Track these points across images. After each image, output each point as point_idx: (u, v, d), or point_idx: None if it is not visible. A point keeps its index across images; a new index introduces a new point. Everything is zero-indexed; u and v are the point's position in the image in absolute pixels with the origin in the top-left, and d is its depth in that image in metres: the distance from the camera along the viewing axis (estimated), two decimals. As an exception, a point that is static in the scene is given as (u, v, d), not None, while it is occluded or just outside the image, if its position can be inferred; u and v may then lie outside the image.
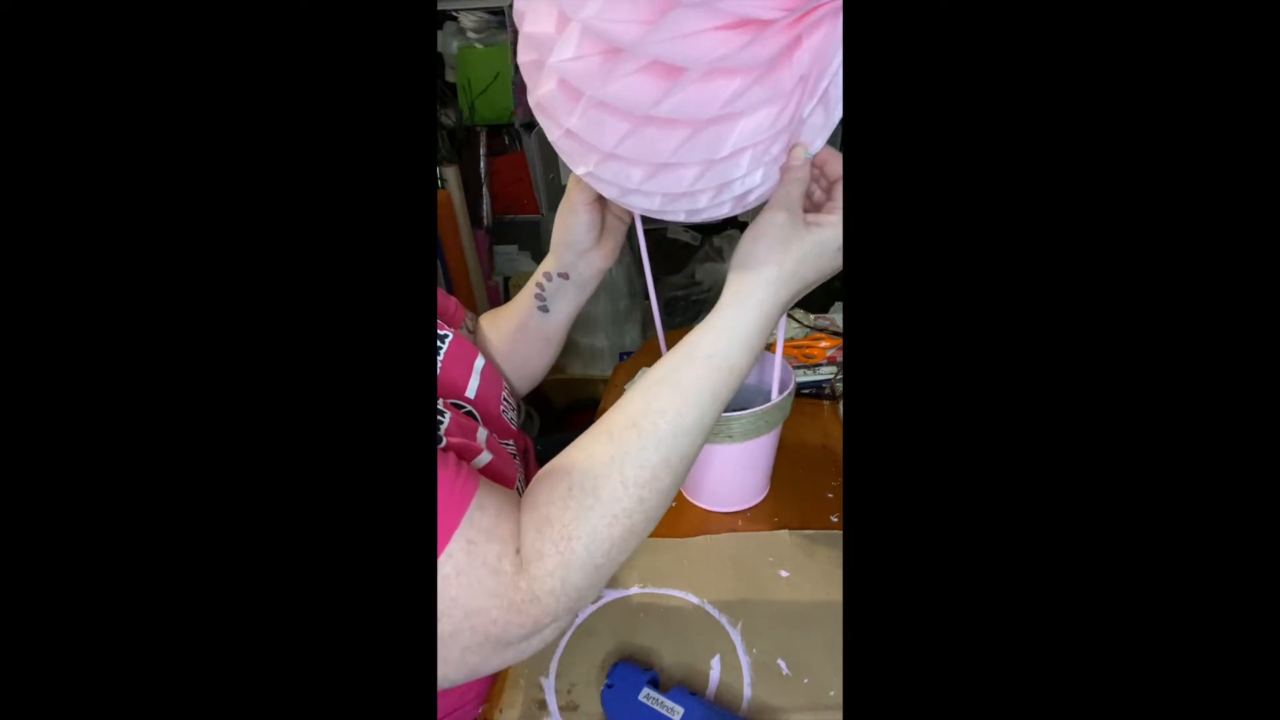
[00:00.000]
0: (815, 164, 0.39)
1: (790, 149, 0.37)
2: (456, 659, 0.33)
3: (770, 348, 0.51)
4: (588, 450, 0.36)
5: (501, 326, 0.61)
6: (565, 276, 0.55)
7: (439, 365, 0.50)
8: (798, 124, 0.36)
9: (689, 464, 0.38)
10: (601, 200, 0.49)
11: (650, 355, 0.88)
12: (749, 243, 0.38)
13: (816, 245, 0.37)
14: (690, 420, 0.36)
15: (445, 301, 0.59)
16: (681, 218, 0.40)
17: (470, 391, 0.51)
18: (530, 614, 0.33)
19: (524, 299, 0.58)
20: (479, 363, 0.53)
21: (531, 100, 0.36)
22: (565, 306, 0.57)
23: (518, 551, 0.34)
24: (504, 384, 0.57)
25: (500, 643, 0.33)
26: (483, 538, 0.33)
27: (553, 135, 0.36)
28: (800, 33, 0.31)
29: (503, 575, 0.33)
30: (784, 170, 0.38)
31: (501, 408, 0.54)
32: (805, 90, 0.34)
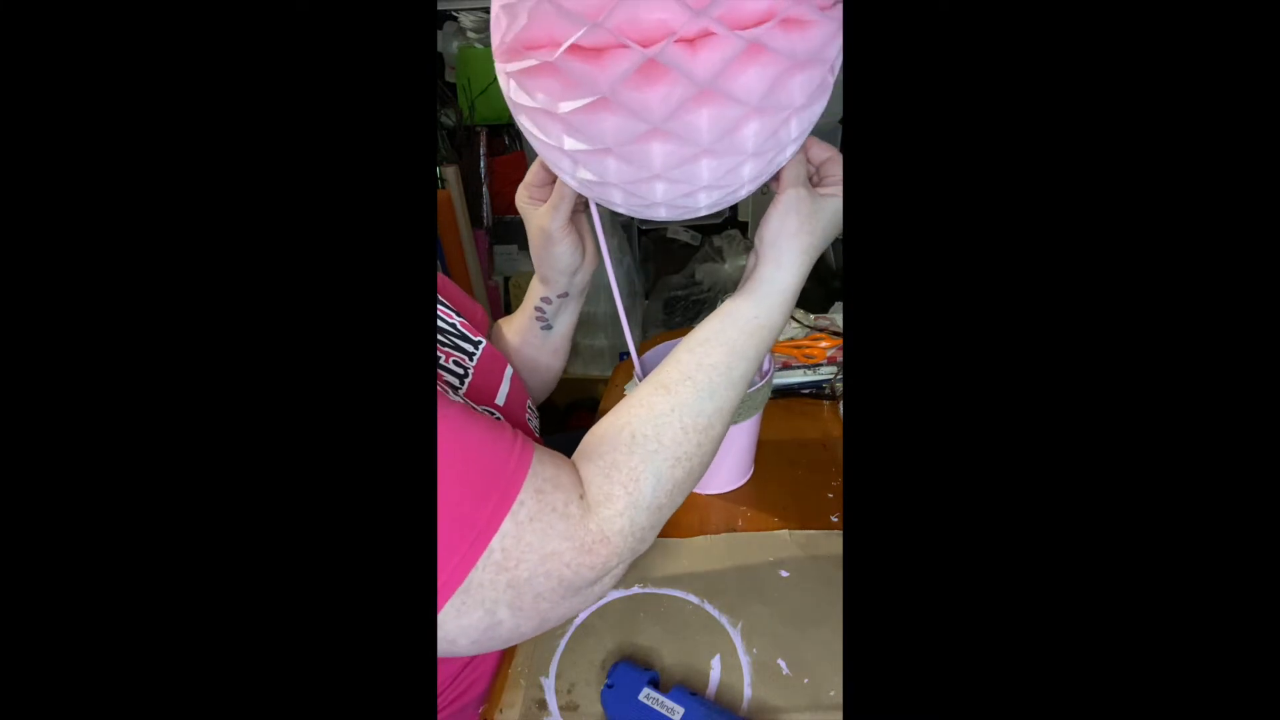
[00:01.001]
0: (805, 147, 0.42)
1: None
2: (530, 605, 0.34)
3: None
4: (645, 403, 0.39)
5: (507, 341, 0.61)
6: (565, 295, 0.55)
7: (471, 372, 0.50)
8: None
9: (729, 420, 0.41)
10: (572, 216, 0.49)
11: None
12: (779, 218, 0.41)
13: (834, 212, 0.41)
14: (738, 374, 0.40)
15: (473, 309, 0.59)
16: (702, 211, 0.41)
17: (500, 399, 0.52)
18: (600, 554, 0.35)
19: (524, 321, 0.59)
20: (508, 371, 0.54)
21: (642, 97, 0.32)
22: (567, 319, 0.58)
23: (581, 498, 0.36)
24: (527, 395, 0.57)
25: (571, 587, 0.35)
26: (549, 486, 0.35)
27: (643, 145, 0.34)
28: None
29: (572, 519, 0.35)
30: None
31: (527, 415, 0.55)
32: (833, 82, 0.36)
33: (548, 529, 0.34)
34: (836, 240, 0.46)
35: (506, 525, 0.32)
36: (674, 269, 1.73)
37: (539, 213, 0.48)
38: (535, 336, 0.59)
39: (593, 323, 1.65)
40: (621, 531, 0.36)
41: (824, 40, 0.31)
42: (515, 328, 0.60)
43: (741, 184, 0.37)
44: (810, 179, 0.43)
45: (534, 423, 0.57)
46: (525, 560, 0.33)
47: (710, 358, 0.40)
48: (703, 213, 0.41)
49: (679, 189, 0.36)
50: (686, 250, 1.77)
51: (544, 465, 0.35)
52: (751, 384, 0.53)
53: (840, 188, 0.42)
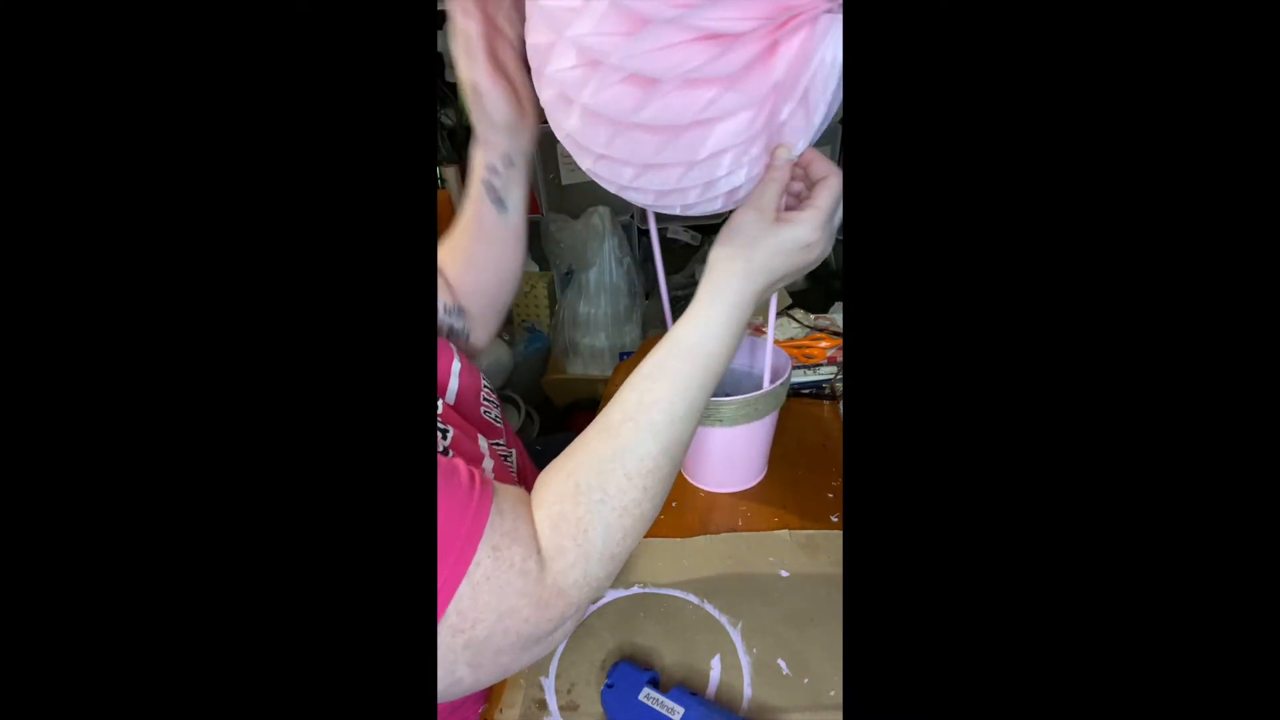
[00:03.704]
0: (800, 164, 0.40)
1: (774, 150, 0.38)
2: (490, 662, 0.34)
3: (760, 330, 0.51)
4: (589, 447, 0.38)
5: (459, 244, 0.57)
6: (512, 164, 0.51)
7: None
8: (776, 126, 0.37)
9: (685, 449, 0.40)
10: (502, 69, 0.46)
11: (650, 355, 0.88)
12: (723, 239, 0.40)
13: (785, 241, 0.39)
14: (681, 409, 0.39)
15: None
16: (676, 210, 0.42)
17: (450, 395, 0.51)
18: (557, 608, 0.35)
19: (474, 208, 0.54)
20: (456, 365, 0.53)
21: (541, 99, 0.38)
22: (517, 196, 0.54)
23: (539, 551, 0.35)
24: (483, 383, 0.56)
25: (530, 640, 0.34)
26: (506, 541, 0.34)
27: (560, 133, 0.39)
28: (777, 40, 0.33)
29: (529, 575, 0.34)
30: (766, 170, 0.39)
31: (483, 408, 0.54)
32: (781, 95, 0.35)
33: (505, 587, 0.33)
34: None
35: (463, 588, 0.31)
36: (674, 269, 1.73)
37: (461, 65, 0.45)
38: (490, 220, 0.54)
39: (593, 323, 1.65)
40: (576, 584, 0.35)
41: (715, 53, 0.31)
42: (464, 225, 0.56)
43: (675, 188, 0.38)
44: (801, 198, 0.41)
45: (494, 414, 0.55)
46: (483, 620, 0.32)
47: (652, 393, 0.38)
48: (675, 211, 0.42)
49: (619, 187, 0.40)
50: (687, 250, 1.77)
51: (503, 518, 0.34)
52: (765, 385, 0.53)
53: (810, 214, 0.39)
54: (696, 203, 0.41)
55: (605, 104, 0.34)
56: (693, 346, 0.39)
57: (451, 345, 0.54)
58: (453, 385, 0.51)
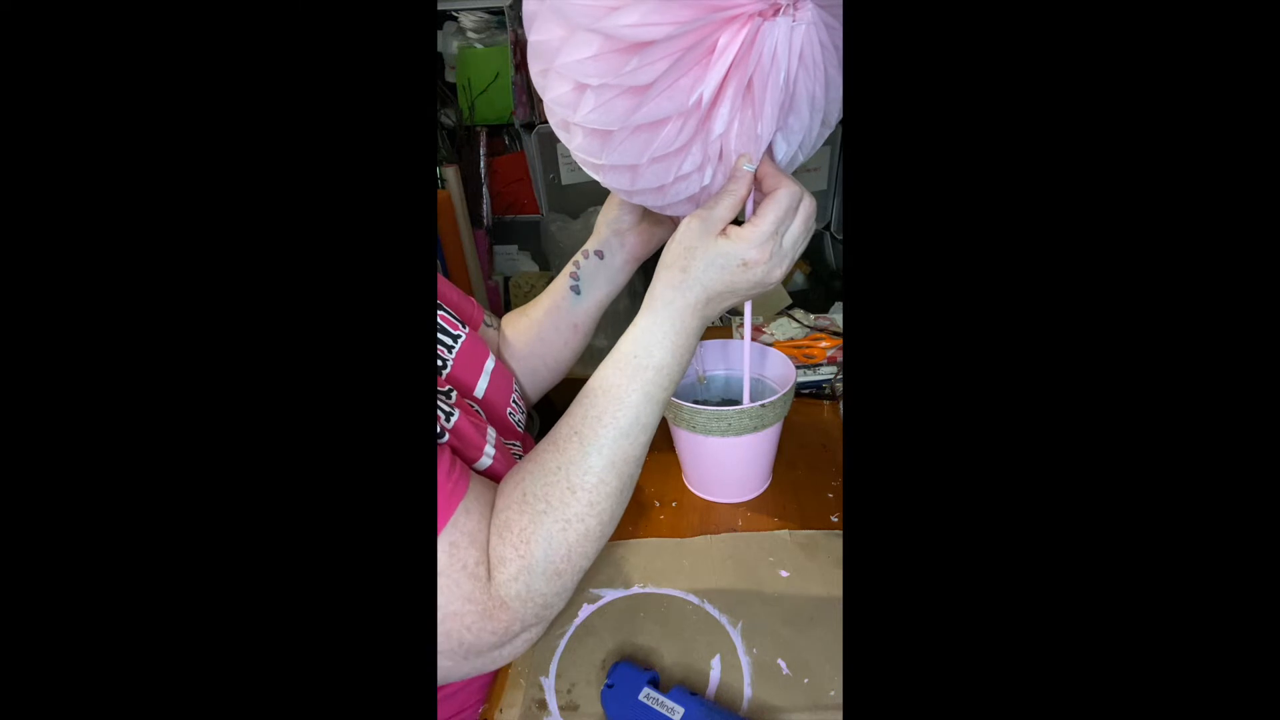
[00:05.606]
0: (757, 176, 0.39)
1: (737, 159, 0.38)
2: None
3: (755, 331, 0.52)
4: (538, 458, 0.38)
5: (531, 313, 0.61)
6: (600, 255, 0.56)
7: (450, 364, 0.50)
8: (717, 136, 0.36)
9: (636, 465, 0.39)
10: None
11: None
12: (668, 245, 0.39)
13: (718, 255, 0.38)
14: (626, 422, 0.38)
15: (463, 302, 0.59)
16: (651, 204, 0.43)
17: (479, 391, 0.51)
18: (500, 619, 0.34)
19: (558, 282, 0.60)
20: (489, 364, 0.54)
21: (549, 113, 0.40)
22: (595, 292, 0.58)
23: (490, 559, 0.35)
24: (514, 387, 0.57)
25: (471, 650, 0.34)
26: (465, 541, 0.34)
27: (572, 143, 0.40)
28: (714, 46, 0.33)
29: (479, 580, 0.34)
30: (728, 179, 0.39)
31: (509, 410, 0.55)
32: (715, 107, 0.35)
33: (453, 587, 0.32)
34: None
35: None
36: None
37: None
38: (564, 299, 0.59)
39: (593, 323, 1.65)
40: (519, 596, 0.34)
41: (624, 63, 0.32)
42: (543, 296, 0.61)
43: (633, 189, 0.39)
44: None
45: (518, 418, 0.56)
46: None
47: (595, 408, 0.38)
48: (651, 206, 0.43)
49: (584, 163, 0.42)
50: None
51: (469, 516, 0.34)
52: (771, 394, 0.53)
53: (749, 231, 0.37)
54: (671, 203, 0.41)
55: (553, 104, 0.36)
56: (636, 357, 0.38)
57: (489, 346, 0.55)
58: (483, 382, 0.52)
